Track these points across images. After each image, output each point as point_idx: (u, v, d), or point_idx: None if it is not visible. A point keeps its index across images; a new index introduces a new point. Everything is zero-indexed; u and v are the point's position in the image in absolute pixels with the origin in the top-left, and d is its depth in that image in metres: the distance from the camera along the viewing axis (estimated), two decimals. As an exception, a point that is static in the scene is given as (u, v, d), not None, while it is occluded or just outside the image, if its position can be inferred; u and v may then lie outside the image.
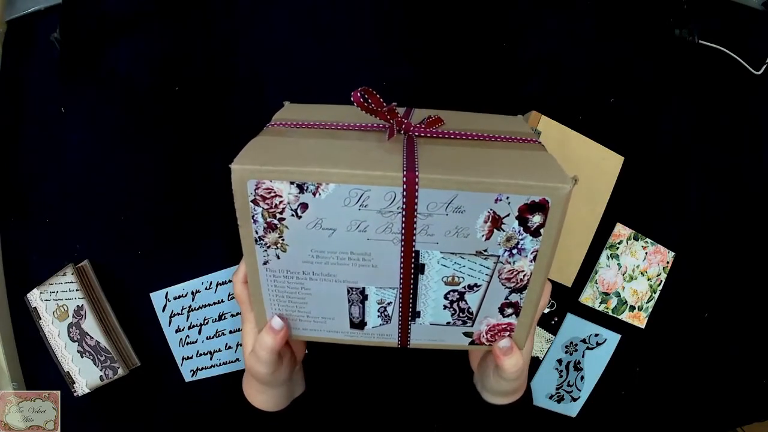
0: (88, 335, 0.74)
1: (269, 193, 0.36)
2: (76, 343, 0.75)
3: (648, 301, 0.85)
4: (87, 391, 0.75)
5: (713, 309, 0.88)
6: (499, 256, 0.38)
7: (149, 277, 0.77)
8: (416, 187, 0.35)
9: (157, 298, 0.77)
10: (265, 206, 0.36)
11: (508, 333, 0.43)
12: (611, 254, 0.82)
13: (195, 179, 0.75)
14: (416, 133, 0.42)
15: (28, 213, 0.77)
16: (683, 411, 0.93)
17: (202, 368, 0.81)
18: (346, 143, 0.40)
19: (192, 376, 0.81)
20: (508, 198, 0.35)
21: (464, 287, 0.40)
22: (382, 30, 0.76)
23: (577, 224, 0.79)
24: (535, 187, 0.35)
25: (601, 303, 0.83)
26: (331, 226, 0.37)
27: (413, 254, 0.38)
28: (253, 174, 0.35)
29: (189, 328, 0.79)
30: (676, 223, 0.84)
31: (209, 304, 0.78)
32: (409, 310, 0.41)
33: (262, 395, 0.48)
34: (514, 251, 0.38)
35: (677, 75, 0.81)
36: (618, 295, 0.83)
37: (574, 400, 0.88)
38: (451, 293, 0.40)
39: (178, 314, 0.78)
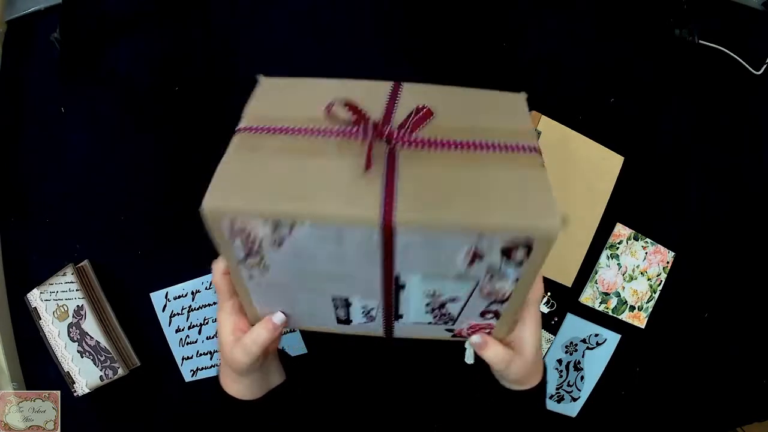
0: (88, 335, 0.74)
1: (244, 230, 0.35)
2: (76, 343, 0.75)
3: (648, 301, 0.85)
4: (87, 391, 0.75)
5: (713, 309, 0.88)
6: (479, 280, 0.37)
7: (149, 277, 0.77)
8: (394, 228, 0.33)
9: (157, 298, 0.77)
10: (243, 238, 0.36)
11: (487, 331, 0.43)
12: (611, 254, 0.82)
13: (195, 179, 0.75)
14: (399, 142, 0.38)
15: (28, 213, 0.77)
16: (683, 411, 0.93)
17: (202, 368, 0.81)
18: (322, 166, 0.37)
19: (192, 376, 0.81)
20: (491, 235, 0.34)
21: (445, 299, 0.40)
22: (382, 30, 0.76)
23: (577, 224, 0.79)
24: (521, 227, 0.33)
25: (601, 303, 0.83)
26: (310, 256, 0.36)
27: (394, 278, 0.38)
28: (225, 214, 0.35)
29: (189, 328, 0.79)
30: (676, 223, 0.84)
31: (209, 304, 0.78)
32: (392, 314, 0.42)
33: (238, 384, 0.47)
34: (495, 277, 0.37)
35: (677, 75, 0.81)
36: (618, 295, 0.83)
37: (574, 400, 0.88)
38: (433, 302, 0.41)
39: (178, 314, 0.78)
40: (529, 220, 0.33)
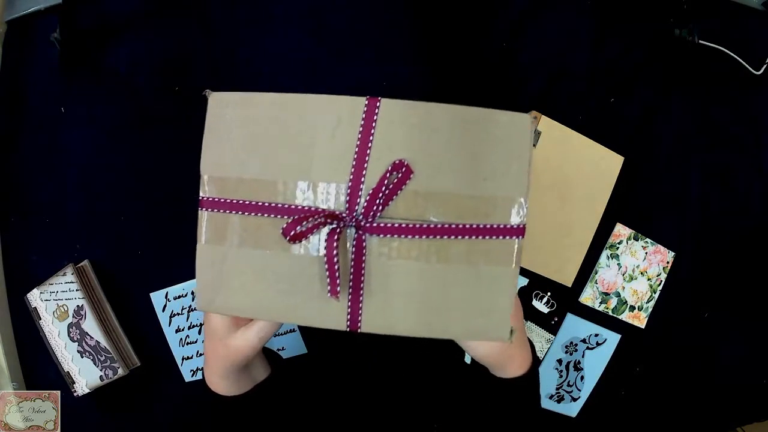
0: (88, 335, 0.74)
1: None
2: (76, 343, 0.75)
3: (648, 301, 0.85)
4: (87, 391, 0.75)
5: (713, 309, 0.88)
6: None
7: (149, 277, 0.77)
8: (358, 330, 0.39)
9: (157, 298, 0.77)
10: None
11: None
12: (611, 254, 0.82)
13: (195, 179, 0.75)
14: (367, 233, 0.38)
15: (28, 213, 0.77)
16: (683, 411, 0.92)
17: (202, 368, 0.81)
18: (289, 265, 0.39)
19: (192, 376, 0.81)
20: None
21: None
22: (383, 30, 0.76)
23: (577, 224, 0.79)
24: (474, 336, 0.41)
25: (601, 303, 0.83)
26: None
27: None
28: (212, 309, 0.42)
29: (189, 328, 0.79)
30: (676, 223, 0.84)
31: (209, 304, 0.78)
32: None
33: (225, 381, 0.48)
34: None
35: (677, 75, 0.81)
36: (618, 295, 0.84)
37: (574, 400, 0.88)
38: None
39: (178, 314, 0.78)
40: (486, 334, 0.40)
